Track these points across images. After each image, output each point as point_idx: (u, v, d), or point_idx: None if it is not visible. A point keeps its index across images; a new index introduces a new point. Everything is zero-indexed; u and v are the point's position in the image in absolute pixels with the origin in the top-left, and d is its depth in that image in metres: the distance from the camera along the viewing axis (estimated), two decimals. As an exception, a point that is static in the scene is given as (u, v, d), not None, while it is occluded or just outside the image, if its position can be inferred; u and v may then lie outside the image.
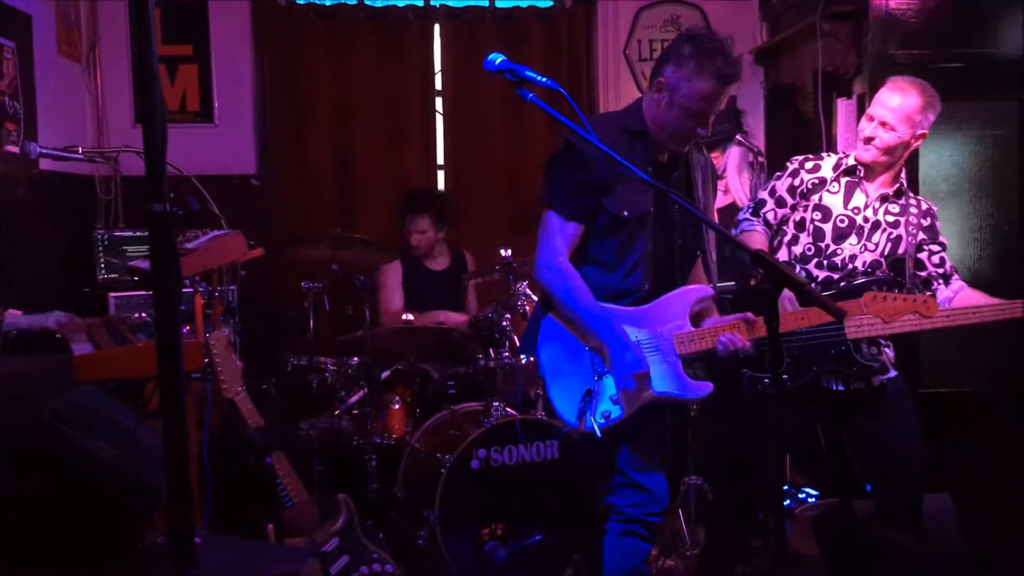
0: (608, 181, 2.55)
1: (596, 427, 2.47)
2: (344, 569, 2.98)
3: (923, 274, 3.15)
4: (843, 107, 4.21)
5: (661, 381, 2.55)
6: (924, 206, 3.18)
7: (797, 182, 3.16)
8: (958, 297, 3.14)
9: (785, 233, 3.19)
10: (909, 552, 3.30)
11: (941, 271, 3.17)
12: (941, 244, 3.19)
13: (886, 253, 3.10)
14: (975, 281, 3.98)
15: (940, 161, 4.02)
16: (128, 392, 2.71)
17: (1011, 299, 2.98)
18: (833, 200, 3.11)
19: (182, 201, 1.85)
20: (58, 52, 4.42)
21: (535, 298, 3.74)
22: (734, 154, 4.46)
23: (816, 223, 3.11)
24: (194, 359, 2.73)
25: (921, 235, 3.14)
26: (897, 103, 2.99)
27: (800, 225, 3.15)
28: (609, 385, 2.54)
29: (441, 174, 5.19)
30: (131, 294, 4.11)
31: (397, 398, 3.89)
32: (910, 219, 3.12)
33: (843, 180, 3.12)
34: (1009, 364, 3.94)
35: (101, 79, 4.76)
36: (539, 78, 2.16)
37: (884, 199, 3.11)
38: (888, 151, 3.04)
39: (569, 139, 2.58)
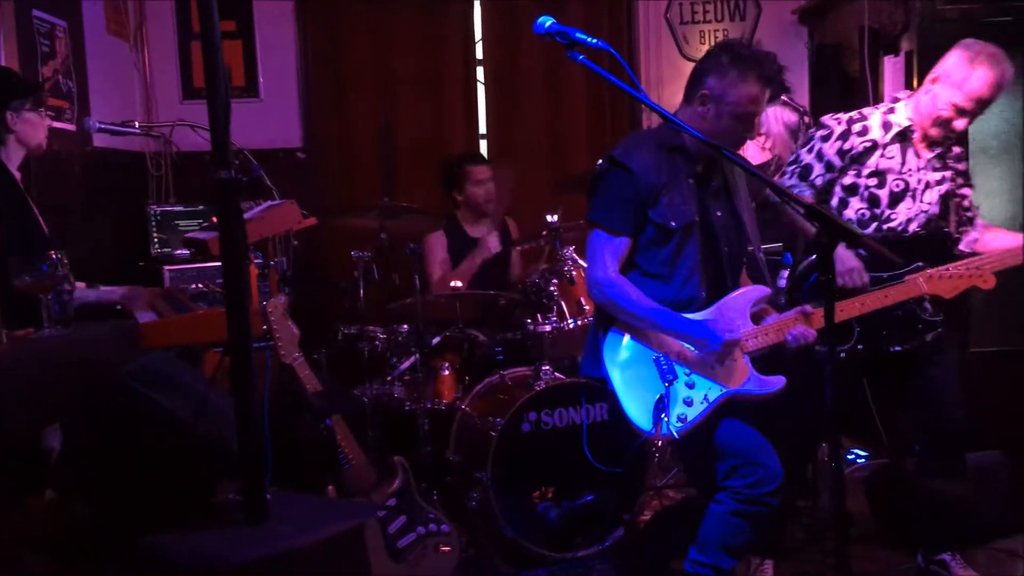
0: (653, 193, 2.60)
1: (674, 431, 2.49)
2: (401, 529, 3.05)
3: (954, 219, 3.12)
4: (890, 65, 4.17)
5: (737, 381, 2.58)
6: (956, 150, 3.13)
7: (847, 146, 3.05)
8: (983, 238, 3.12)
9: (832, 195, 3.11)
10: (959, 508, 3.31)
11: (969, 215, 3.13)
12: (971, 187, 3.15)
13: (938, 210, 3.06)
14: (1028, 238, 3.96)
15: (990, 117, 3.93)
16: (185, 361, 2.80)
17: None
18: (889, 164, 3.02)
19: (246, 169, 1.90)
20: (107, 31, 4.50)
21: (582, 263, 3.76)
22: (775, 111, 4.40)
23: (872, 189, 3.04)
24: (253, 326, 2.79)
25: (959, 180, 3.10)
26: (989, 95, 2.86)
27: (851, 189, 3.07)
28: (681, 388, 2.56)
29: (483, 143, 5.22)
30: (185, 267, 4.21)
31: (447, 364, 3.94)
32: (951, 170, 3.07)
33: (897, 144, 3.03)
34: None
35: (148, 57, 4.85)
36: (590, 40, 2.15)
37: (938, 157, 3.06)
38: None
39: (613, 155, 2.64)
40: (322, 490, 2.96)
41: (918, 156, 3.04)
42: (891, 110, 3.07)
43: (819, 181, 3.11)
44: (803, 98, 4.90)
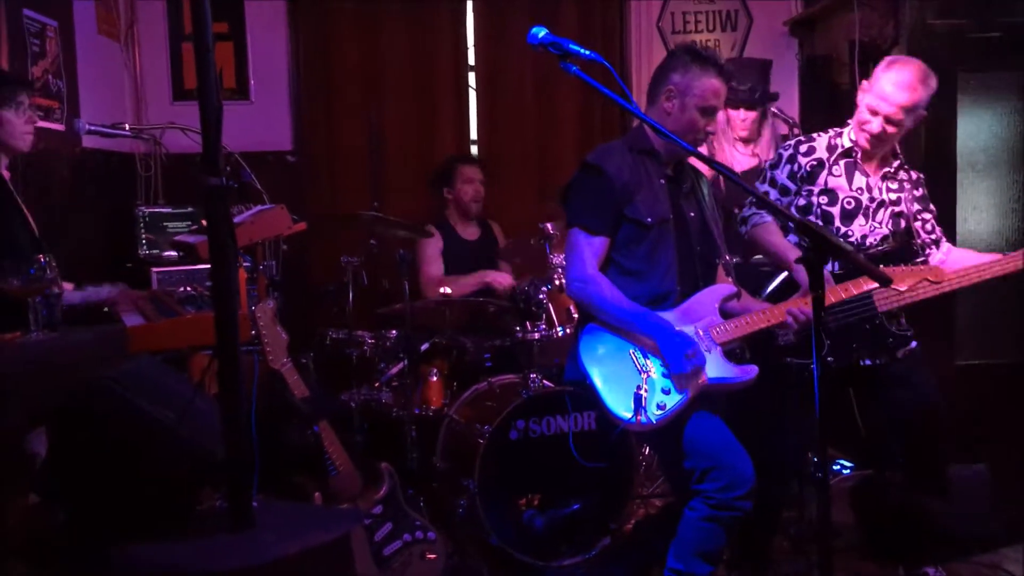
0: (627, 192, 2.73)
1: (653, 419, 2.54)
2: (388, 536, 3.04)
3: (917, 241, 3.19)
4: (880, 78, 4.17)
5: (711, 369, 2.63)
6: (914, 176, 3.20)
7: (796, 167, 3.13)
8: (950, 259, 3.19)
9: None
10: (941, 520, 3.33)
11: (933, 237, 3.21)
12: (931, 211, 3.23)
13: (891, 228, 3.12)
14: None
15: (979, 132, 3.99)
16: (171, 364, 2.78)
17: None
18: (837, 183, 3.10)
19: (236, 174, 1.89)
20: (98, 31, 4.48)
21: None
22: (771, 125, 4.45)
23: (824, 207, 3.09)
24: (241, 331, 2.78)
25: (916, 205, 3.16)
26: (906, 100, 2.94)
27: (806, 209, 3.12)
28: (658, 378, 2.61)
29: (474, 149, 5.22)
30: (174, 269, 4.18)
31: (435, 370, 3.94)
32: (907, 192, 3.14)
33: (842, 162, 3.11)
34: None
35: (139, 57, 4.82)
36: (583, 51, 2.17)
37: (885, 177, 3.13)
38: (892, 140, 3.06)
39: (586, 160, 2.79)
40: (308, 496, 2.95)
41: (867, 175, 3.11)
42: (839, 133, 3.16)
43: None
44: (792, 109, 4.92)
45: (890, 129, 2.99)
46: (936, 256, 3.20)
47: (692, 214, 2.84)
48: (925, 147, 3.99)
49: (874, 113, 3.00)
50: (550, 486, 3.45)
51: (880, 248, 3.07)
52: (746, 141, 4.29)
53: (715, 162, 2.35)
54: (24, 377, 2.02)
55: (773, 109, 4.30)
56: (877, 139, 3.02)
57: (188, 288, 3.41)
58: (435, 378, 3.92)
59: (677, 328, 2.66)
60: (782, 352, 2.95)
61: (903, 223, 3.13)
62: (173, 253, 4.29)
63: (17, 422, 2.04)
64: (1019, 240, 3.99)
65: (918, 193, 3.19)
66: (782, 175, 3.16)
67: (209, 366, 2.19)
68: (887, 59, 3.05)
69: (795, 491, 3.78)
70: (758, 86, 4.20)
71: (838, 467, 4.23)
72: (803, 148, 3.16)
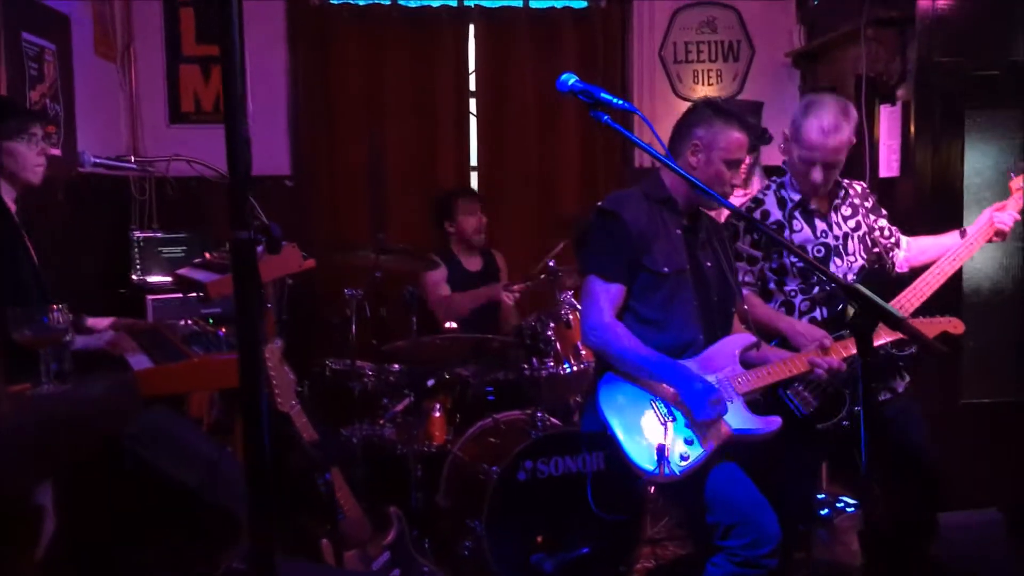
0: (644, 240, 2.70)
1: (677, 470, 2.48)
2: (396, 582, 2.98)
3: (877, 250, 3.18)
4: (886, 113, 4.17)
5: (734, 420, 2.58)
6: (859, 188, 3.20)
7: (757, 235, 3.05)
8: (913, 254, 3.21)
9: (768, 279, 3.09)
10: (954, 564, 3.30)
11: (892, 240, 3.21)
12: (884, 216, 3.22)
13: (865, 255, 3.11)
14: (1020, 291, 3.99)
15: (985, 169, 4.00)
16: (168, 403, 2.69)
17: None
18: (802, 236, 3.05)
19: (265, 228, 1.82)
20: (95, 52, 4.39)
21: (579, 307, 3.72)
22: (760, 170, 4.46)
23: (798, 264, 3.03)
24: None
25: (871, 217, 3.16)
26: (836, 142, 2.92)
27: (781, 270, 3.06)
28: (680, 429, 2.55)
29: (474, 175, 5.17)
30: (169, 297, 4.10)
31: (438, 405, 3.87)
32: (860, 210, 3.14)
33: (798, 213, 3.07)
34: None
35: (135, 78, 4.74)
36: (615, 100, 2.12)
37: (836, 209, 3.11)
38: (836, 174, 3.02)
39: (601, 206, 2.75)
40: (315, 542, 2.87)
41: (824, 216, 3.08)
42: (780, 185, 3.12)
43: (750, 278, 3.09)
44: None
45: (832, 172, 2.99)
46: (900, 255, 3.21)
47: (709, 263, 2.80)
48: (932, 183, 4.00)
49: (811, 164, 2.96)
50: (558, 528, 3.39)
51: (859, 277, 3.06)
52: (739, 186, 4.28)
53: (743, 213, 2.31)
54: (36, 432, 1.94)
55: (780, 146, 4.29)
56: (822, 186, 3.00)
57: (189, 322, 3.33)
58: (438, 413, 3.85)
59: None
60: (810, 422, 2.89)
61: (870, 241, 3.14)
62: (167, 279, 4.21)
63: (28, 479, 1.96)
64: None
65: (868, 204, 3.18)
66: (745, 246, 3.06)
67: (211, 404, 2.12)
68: (803, 103, 3.03)
69: (802, 531, 3.75)
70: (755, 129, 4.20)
71: (841, 504, 4.20)
72: (757, 215, 3.09)
